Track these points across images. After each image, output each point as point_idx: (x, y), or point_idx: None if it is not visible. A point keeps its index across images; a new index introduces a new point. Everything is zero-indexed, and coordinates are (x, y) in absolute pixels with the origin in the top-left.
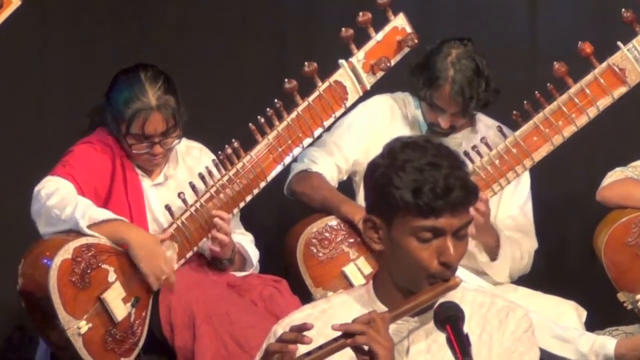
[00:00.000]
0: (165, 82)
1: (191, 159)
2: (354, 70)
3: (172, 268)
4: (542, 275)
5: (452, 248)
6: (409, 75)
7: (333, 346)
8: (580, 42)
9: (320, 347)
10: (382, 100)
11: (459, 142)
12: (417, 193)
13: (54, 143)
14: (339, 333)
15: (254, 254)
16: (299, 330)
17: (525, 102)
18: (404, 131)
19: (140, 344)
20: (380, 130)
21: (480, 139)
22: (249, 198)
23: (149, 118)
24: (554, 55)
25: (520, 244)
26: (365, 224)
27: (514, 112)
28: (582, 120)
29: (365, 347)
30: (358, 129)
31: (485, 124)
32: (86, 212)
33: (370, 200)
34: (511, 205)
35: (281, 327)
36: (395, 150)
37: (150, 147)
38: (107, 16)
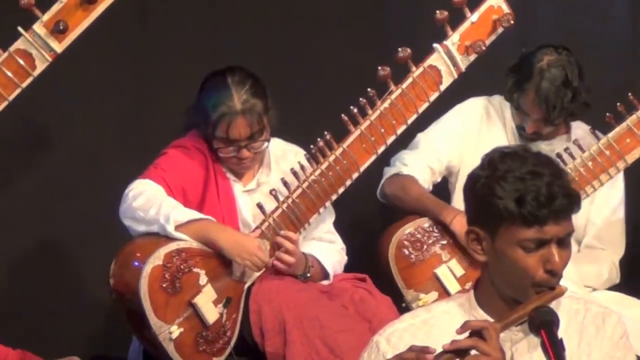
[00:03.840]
0: (252, 86)
1: (286, 163)
2: (448, 53)
3: (267, 256)
4: (634, 281)
5: (557, 256)
6: (504, 75)
7: None
8: None
9: None
10: (478, 103)
11: (553, 148)
12: (520, 202)
13: (152, 142)
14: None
15: (337, 263)
16: (421, 352)
17: (618, 104)
18: (499, 134)
19: (232, 342)
20: (474, 132)
21: (572, 141)
22: (341, 190)
23: (233, 122)
24: None
25: (598, 259)
26: (468, 235)
27: (607, 114)
28: None
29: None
30: (452, 130)
31: (583, 130)
32: (171, 214)
33: (472, 212)
34: (605, 207)
35: (383, 338)
36: (495, 161)
37: (237, 151)
38: (206, 12)
